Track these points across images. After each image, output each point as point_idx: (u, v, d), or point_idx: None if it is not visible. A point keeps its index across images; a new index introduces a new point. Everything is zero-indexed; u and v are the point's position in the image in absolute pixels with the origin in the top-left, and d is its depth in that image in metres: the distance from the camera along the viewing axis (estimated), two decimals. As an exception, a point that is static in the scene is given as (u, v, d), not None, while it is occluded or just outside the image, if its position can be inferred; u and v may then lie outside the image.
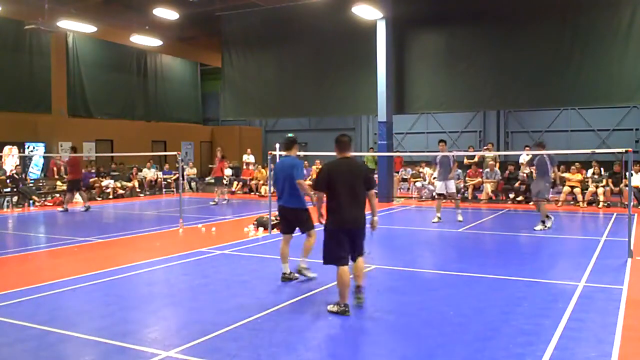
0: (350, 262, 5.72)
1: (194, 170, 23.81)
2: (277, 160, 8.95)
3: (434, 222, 12.55)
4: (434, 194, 14.49)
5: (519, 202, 16.19)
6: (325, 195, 5.63)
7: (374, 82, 17.49)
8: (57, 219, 14.63)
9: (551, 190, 11.59)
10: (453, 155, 13.29)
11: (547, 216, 11.23)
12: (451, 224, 12.60)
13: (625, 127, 25.48)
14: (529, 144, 25.94)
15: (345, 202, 5.55)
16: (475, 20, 17.05)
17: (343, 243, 5.58)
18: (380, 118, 17.57)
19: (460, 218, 12.73)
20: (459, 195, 13.14)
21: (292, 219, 6.96)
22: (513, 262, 8.38)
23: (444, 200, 17.25)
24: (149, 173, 21.96)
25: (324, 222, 5.73)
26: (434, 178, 14.73)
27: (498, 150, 24.99)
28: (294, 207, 6.89)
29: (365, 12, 16.34)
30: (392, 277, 7.42)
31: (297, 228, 7.05)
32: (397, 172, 20.40)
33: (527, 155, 16.94)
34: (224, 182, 19.32)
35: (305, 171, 8.98)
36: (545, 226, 11.04)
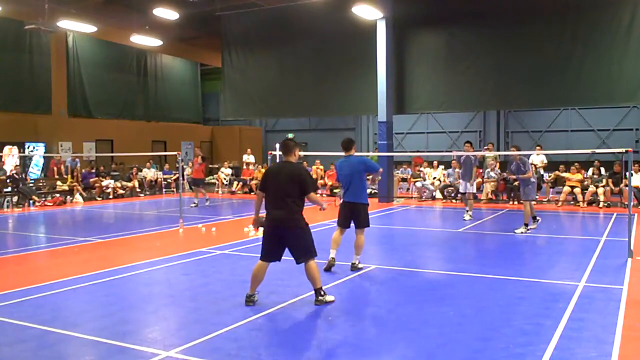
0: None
1: (194, 170, 23.78)
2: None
3: (465, 220, 12.76)
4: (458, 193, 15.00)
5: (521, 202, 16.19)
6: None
7: (374, 82, 17.49)
8: (57, 219, 14.64)
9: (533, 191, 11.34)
10: (476, 156, 13.47)
11: (535, 218, 11.09)
12: (451, 223, 12.60)
13: (625, 127, 25.50)
14: (530, 143, 26.07)
15: (271, 202, 5.87)
16: (475, 20, 17.05)
17: (270, 240, 5.89)
18: (380, 118, 17.58)
19: (467, 217, 12.80)
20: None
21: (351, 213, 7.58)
22: (513, 262, 8.38)
23: (444, 200, 17.30)
24: (149, 173, 21.97)
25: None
26: (457, 179, 15.03)
27: (498, 150, 24.98)
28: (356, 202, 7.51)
29: (365, 12, 16.34)
30: (392, 277, 7.42)
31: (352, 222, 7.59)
32: (416, 166, 20.14)
33: (537, 155, 16.96)
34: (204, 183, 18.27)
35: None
36: (527, 229, 10.79)
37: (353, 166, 7.56)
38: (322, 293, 5.93)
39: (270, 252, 5.91)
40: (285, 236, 5.83)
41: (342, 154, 7.83)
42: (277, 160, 16.05)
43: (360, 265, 7.61)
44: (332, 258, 7.51)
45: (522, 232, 10.67)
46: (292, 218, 5.79)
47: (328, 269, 7.38)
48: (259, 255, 6.00)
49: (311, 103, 19.79)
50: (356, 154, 7.92)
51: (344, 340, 4.94)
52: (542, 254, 9.17)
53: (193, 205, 16.44)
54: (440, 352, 4.59)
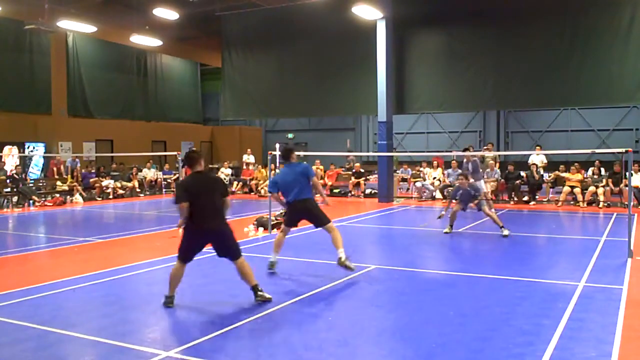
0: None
1: (194, 170, 23.77)
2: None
3: (438, 218, 12.76)
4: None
5: (526, 202, 16.20)
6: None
7: (374, 82, 17.49)
8: (57, 219, 14.64)
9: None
10: (476, 157, 13.50)
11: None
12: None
13: (625, 127, 25.54)
14: (530, 143, 26.10)
15: (202, 212, 5.96)
16: (475, 20, 17.05)
17: (195, 246, 6.11)
18: (380, 118, 17.57)
19: (504, 231, 11.20)
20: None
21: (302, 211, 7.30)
22: (513, 262, 8.38)
23: (444, 200, 17.25)
24: (149, 173, 21.96)
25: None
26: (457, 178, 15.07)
27: (498, 150, 24.99)
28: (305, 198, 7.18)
29: (365, 12, 16.34)
30: (392, 277, 7.41)
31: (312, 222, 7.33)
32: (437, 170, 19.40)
33: (537, 155, 16.96)
34: None
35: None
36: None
37: (297, 172, 7.25)
38: (260, 289, 5.92)
39: (192, 256, 6.11)
40: (215, 240, 6.04)
41: (342, 153, 7.77)
42: (277, 162, 15.88)
43: (349, 264, 7.04)
44: (273, 262, 7.36)
45: (508, 234, 10.34)
46: (223, 222, 6.01)
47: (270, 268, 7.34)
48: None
49: (311, 103, 19.79)
50: (355, 154, 7.88)
51: (344, 341, 4.94)
52: (542, 254, 9.17)
53: None
54: (440, 352, 4.59)
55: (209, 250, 9.29)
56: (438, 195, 17.56)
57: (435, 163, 19.10)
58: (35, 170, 21.71)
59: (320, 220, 7.23)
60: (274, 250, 7.45)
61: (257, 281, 5.95)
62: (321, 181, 20.14)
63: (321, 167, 20.96)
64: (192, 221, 5.96)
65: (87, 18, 18.90)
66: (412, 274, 7.53)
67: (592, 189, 15.43)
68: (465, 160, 13.37)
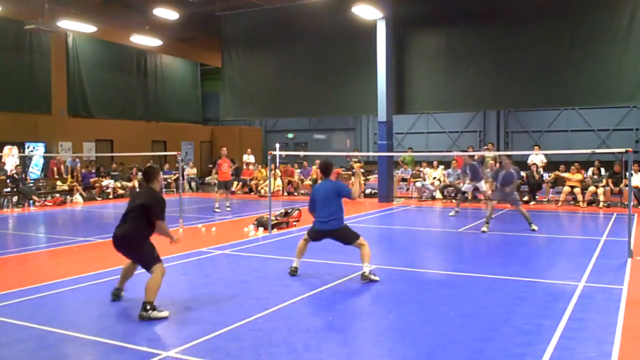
0: None
1: (194, 170, 23.82)
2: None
3: (451, 216, 13.26)
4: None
5: (526, 202, 16.18)
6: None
7: (374, 82, 17.49)
8: (57, 219, 14.64)
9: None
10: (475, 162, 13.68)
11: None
12: (451, 223, 12.59)
13: (625, 127, 25.53)
14: (530, 143, 26.08)
15: (121, 221, 6.21)
16: (475, 20, 17.05)
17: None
18: (380, 118, 17.57)
19: (485, 229, 11.06)
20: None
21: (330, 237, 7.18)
22: (513, 262, 8.38)
23: (444, 200, 17.28)
24: (149, 173, 21.92)
25: None
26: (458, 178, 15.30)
27: (498, 150, 24.99)
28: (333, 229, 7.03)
29: (365, 12, 16.34)
30: (392, 277, 7.41)
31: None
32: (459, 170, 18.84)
33: (537, 154, 16.97)
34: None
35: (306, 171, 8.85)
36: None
37: (329, 190, 7.16)
38: (150, 309, 5.51)
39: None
40: (117, 244, 6.23)
41: (343, 153, 7.77)
42: (277, 162, 15.98)
43: (373, 277, 6.87)
44: (295, 267, 7.21)
45: (486, 231, 10.86)
46: (130, 231, 6.19)
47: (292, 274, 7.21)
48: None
49: (311, 103, 19.79)
50: (356, 154, 7.87)
51: (344, 341, 4.94)
52: (542, 254, 9.16)
53: (228, 209, 15.24)
54: (440, 352, 4.59)
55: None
56: (438, 195, 17.56)
57: (435, 163, 19.12)
58: (35, 170, 21.69)
59: (349, 240, 7.05)
60: (296, 257, 7.29)
61: (153, 300, 5.57)
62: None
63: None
64: None
65: (87, 18, 18.89)
66: (412, 274, 7.53)
67: (592, 189, 15.44)
68: (464, 163, 13.50)
